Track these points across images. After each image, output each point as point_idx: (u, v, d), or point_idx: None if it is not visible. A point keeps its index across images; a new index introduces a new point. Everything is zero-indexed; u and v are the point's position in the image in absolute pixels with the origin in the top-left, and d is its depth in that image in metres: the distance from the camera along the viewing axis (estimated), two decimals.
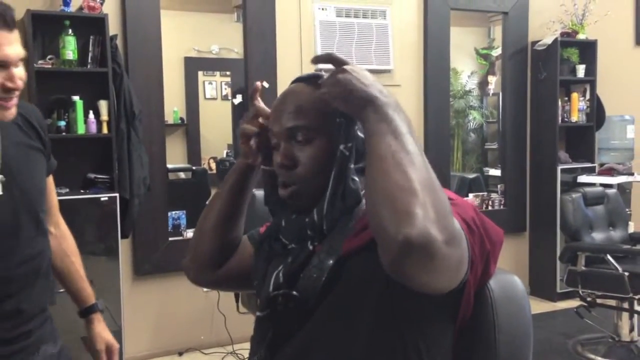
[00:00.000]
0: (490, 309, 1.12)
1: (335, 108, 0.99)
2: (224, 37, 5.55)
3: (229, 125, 5.64)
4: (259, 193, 2.27)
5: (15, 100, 1.31)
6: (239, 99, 5.34)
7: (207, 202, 1.25)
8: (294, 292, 0.99)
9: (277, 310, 1.01)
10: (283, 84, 4.02)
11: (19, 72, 1.29)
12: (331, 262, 0.98)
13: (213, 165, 5.76)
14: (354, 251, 0.97)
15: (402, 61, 4.31)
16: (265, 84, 3.91)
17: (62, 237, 1.63)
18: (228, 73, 5.88)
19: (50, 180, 1.55)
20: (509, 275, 1.21)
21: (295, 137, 1.03)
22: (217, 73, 5.97)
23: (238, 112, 5.35)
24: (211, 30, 5.66)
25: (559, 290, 4.57)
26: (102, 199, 3.28)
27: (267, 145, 1.09)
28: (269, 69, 3.91)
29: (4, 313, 1.38)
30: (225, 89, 5.97)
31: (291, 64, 3.96)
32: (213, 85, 5.97)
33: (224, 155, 5.75)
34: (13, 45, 1.27)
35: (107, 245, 3.34)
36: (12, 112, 1.32)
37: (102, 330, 1.64)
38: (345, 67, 0.95)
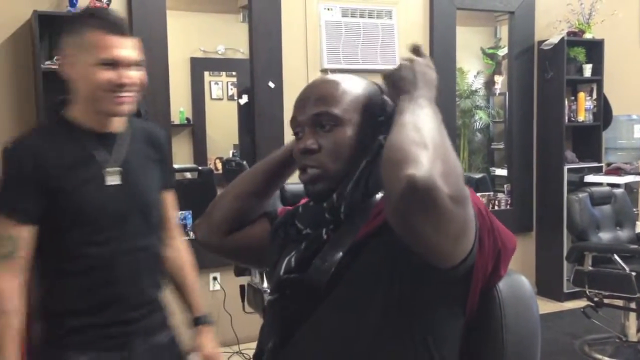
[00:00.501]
0: (498, 308, 1.11)
1: (369, 100, 1.07)
2: (230, 38, 5.55)
3: (235, 125, 5.64)
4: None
5: (126, 99, 1.49)
6: (245, 99, 5.34)
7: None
8: (302, 277, 1.01)
9: (286, 294, 1.03)
10: (289, 84, 4.05)
11: (131, 73, 1.48)
12: (341, 254, 0.99)
13: (219, 166, 5.76)
14: (367, 236, 0.98)
15: None
16: (271, 84, 3.92)
17: (177, 250, 1.74)
18: (234, 73, 5.89)
19: (170, 196, 1.71)
20: (517, 275, 1.21)
21: (320, 123, 1.06)
22: (223, 73, 5.97)
23: (244, 113, 5.36)
24: (217, 30, 5.67)
25: (565, 290, 4.55)
26: None
27: None
28: (274, 69, 3.91)
29: (105, 299, 1.50)
30: (232, 89, 5.97)
31: (297, 64, 3.96)
32: (219, 86, 5.98)
33: (230, 156, 5.75)
34: (124, 49, 1.46)
35: None
36: (123, 108, 1.50)
37: (208, 341, 1.72)
38: (414, 58, 1.04)
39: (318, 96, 1.07)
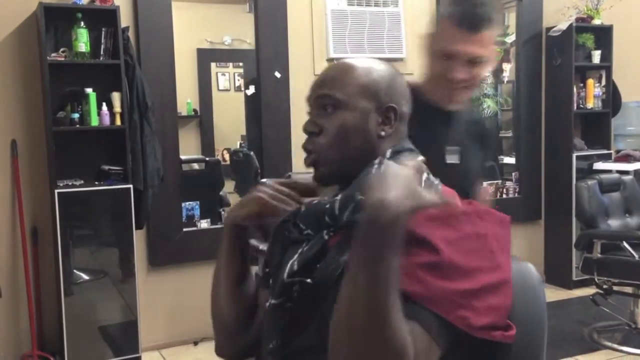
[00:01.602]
0: None
1: (380, 87, 1.05)
2: (236, 28, 5.54)
3: (242, 116, 5.64)
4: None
5: (462, 94, 1.54)
6: (252, 89, 5.33)
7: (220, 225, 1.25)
8: (309, 280, 0.99)
9: (292, 297, 1.01)
10: (295, 74, 4.04)
11: (470, 70, 1.51)
12: (345, 257, 0.96)
13: (227, 156, 5.78)
14: None
15: (414, 49, 4.27)
16: (278, 74, 3.90)
17: None
18: (241, 64, 5.88)
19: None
20: (524, 264, 1.21)
21: (323, 105, 1.05)
22: (230, 64, 5.97)
23: (251, 103, 5.36)
24: (223, 21, 5.66)
25: (574, 278, 4.54)
26: (116, 190, 3.30)
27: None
28: (281, 59, 3.90)
29: None
30: (239, 80, 5.97)
31: (303, 54, 3.95)
32: (226, 77, 5.97)
33: (238, 146, 5.76)
34: (467, 45, 1.49)
35: (122, 236, 3.37)
36: (456, 101, 1.56)
37: None
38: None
39: (327, 78, 1.07)
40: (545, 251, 4.82)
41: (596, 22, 4.58)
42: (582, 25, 4.53)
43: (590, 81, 4.62)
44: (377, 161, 1.02)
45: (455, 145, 1.60)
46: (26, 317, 3.36)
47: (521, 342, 1.10)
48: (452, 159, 1.59)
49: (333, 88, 1.05)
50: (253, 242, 1.19)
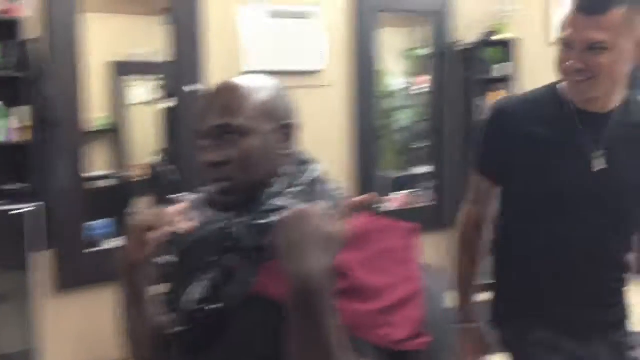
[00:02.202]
0: None
1: (275, 105, 1.04)
2: (152, 40, 5.43)
3: (159, 130, 5.53)
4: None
5: (585, 83, 1.38)
6: (170, 102, 5.24)
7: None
8: (215, 306, 0.98)
9: (198, 325, 1.00)
10: (213, 86, 3.97)
11: (588, 57, 1.35)
12: (255, 279, 0.97)
13: (143, 172, 5.63)
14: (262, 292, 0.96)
15: (332, 62, 4.34)
16: (195, 87, 3.86)
17: None
18: (157, 77, 5.77)
19: None
20: (429, 267, 1.24)
21: (223, 135, 1.02)
22: (146, 77, 5.84)
23: (168, 117, 5.26)
24: (139, 33, 5.53)
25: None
26: (15, 209, 3.13)
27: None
28: (197, 71, 3.86)
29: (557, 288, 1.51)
30: (154, 93, 5.84)
31: (221, 66, 3.92)
32: (143, 90, 5.84)
33: (155, 161, 5.63)
34: (582, 30, 1.34)
35: (20, 259, 3.18)
36: (581, 92, 1.41)
37: None
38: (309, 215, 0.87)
39: (220, 106, 1.03)
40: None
41: (502, 36, 4.80)
42: (490, 40, 4.73)
43: (497, 93, 4.82)
44: (274, 178, 1.03)
45: (603, 149, 1.42)
46: None
47: (430, 346, 1.13)
48: (599, 164, 1.42)
49: (233, 116, 1.02)
50: (166, 258, 1.16)
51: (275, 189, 1.02)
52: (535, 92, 1.60)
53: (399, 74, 6.48)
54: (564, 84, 1.45)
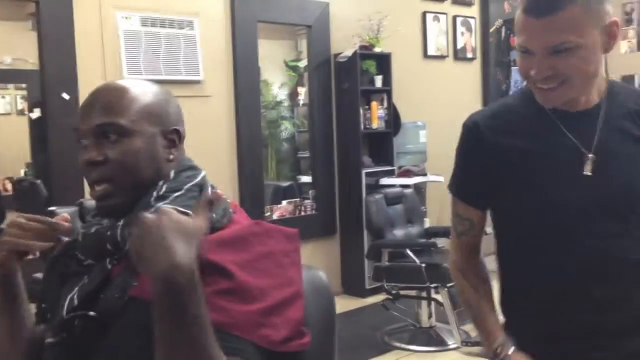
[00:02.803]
0: None
1: (159, 108, 1.02)
2: (18, 47, 5.12)
3: (26, 141, 5.21)
4: (62, 211, 2.14)
5: (557, 91, 1.21)
6: (37, 112, 4.96)
7: None
8: (92, 313, 0.95)
9: (74, 333, 0.96)
10: (85, 95, 3.80)
11: (555, 61, 1.17)
12: (135, 283, 0.95)
13: (9, 186, 5.27)
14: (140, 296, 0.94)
15: (211, 72, 4.32)
16: (65, 96, 3.69)
17: None
18: (24, 85, 5.44)
19: None
20: (315, 270, 1.28)
21: (105, 134, 0.99)
22: (11, 86, 5.49)
23: (37, 128, 4.98)
24: (2, 39, 5.20)
25: (367, 287, 4.85)
26: None
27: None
28: (68, 80, 3.69)
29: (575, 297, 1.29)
30: (21, 102, 5.50)
31: (94, 74, 3.78)
32: (6, 100, 5.48)
33: (22, 175, 5.29)
34: (538, 34, 1.17)
35: None
36: (553, 100, 1.25)
37: None
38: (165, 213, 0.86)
39: (103, 104, 1.00)
40: (342, 264, 5.10)
41: (377, 49, 5.01)
42: (365, 53, 4.93)
43: (374, 104, 5.03)
44: (160, 182, 1.02)
45: (595, 150, 1.25)
46: None
47: (314, 346, 1.17)
48: (593, 166, 1.24)
49: (115, 115, 1.00)
50: (38, 276, 1.12)
51: (159, 192, 1.01)
52: (507, 100, 1.41)
53: (283, 85, 6.59)
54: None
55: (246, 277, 0.94)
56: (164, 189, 1.01)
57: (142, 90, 1.04)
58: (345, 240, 5.08)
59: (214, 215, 1.00)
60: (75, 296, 0.98)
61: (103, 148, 0.99)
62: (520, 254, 1.35)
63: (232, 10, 4.41)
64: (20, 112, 5.47)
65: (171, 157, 1.05)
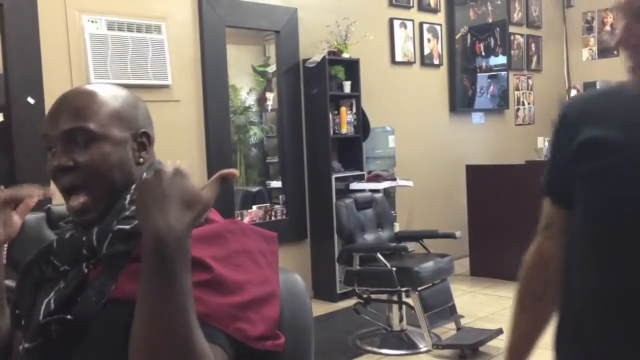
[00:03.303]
0: None
1: (128, 113, 1.02)
2: None
3: None
4: (30, 217, 2.10)
5: None
6: (0, 117, 4.85)
7: None
8: (69, 317, 0.94)
9: (51, 338, 0.95)
10: (51, 99, 3.73)
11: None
12: (113, 286, 0.94)
13: None
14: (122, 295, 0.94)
15: (180, 77, 4.29)
16: (31, 100, 3.62)
17: None
18: None
19: None
20: (291, 275, 1.28)
21: (74, 139, 0.99)
22: None
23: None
24: None
25: (338, 291, 4.87)
26: None
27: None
28: (33, 84, 3.63)
29: None
30: None
31: (60, 78, 3.72)
32: None
33: None
34: None
35: None
36: None
37: None
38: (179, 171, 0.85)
39: (72, 109, 0.99)
40: (312, 268, 5.11)
41: (345, 55, 5.04)
42: (334, 58, 4.95)
43: (343, 109, 5.05)
44: (133, 186, 1.01)
45: None
46: None
47: (291, 350, 1.17)
48: None
49: (84, 120, 0.99)
50: (9, 283, 1.10)
51: (132, 196, 1.00)
52: (609, 88, 1.22)
53: (251, 91, 6.57)
54: None
55: (223, 270, 0.93)
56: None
57: (110, 94, 1.03)
58: (315, 245, 5.09)
59: None
60: (52, 300, 0.96)
61: (72, 153, 0.98)
62: (580, 271, 1.14)
63: (200, 15, 4.39)
64: None
65: (141, 160, 1.04)
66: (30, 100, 3.61)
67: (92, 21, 3.87)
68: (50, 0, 3.72)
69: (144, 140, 1.05)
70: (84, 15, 3.84)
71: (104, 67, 3.88)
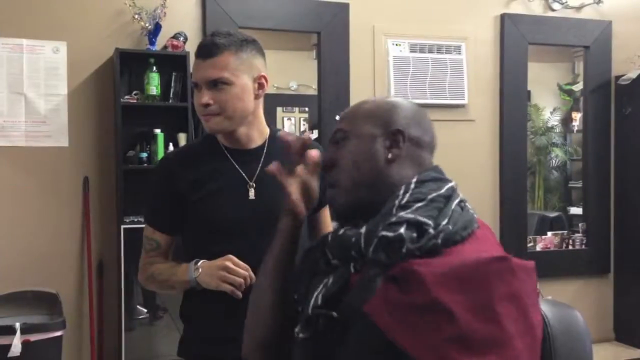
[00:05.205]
0: (546, 342, 1.08)
1: (382, 114, 1.10)
2: (303, 74, 5.69)
3: None
4: None
5: (214, 119, 1.60)
6: (315, 134, 5.43)
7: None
8: (334, 314, 0.97)
9: (318, 331, 0.99)
10: None
11: (213, 94, 1.58)
12: (370, 296, 0.93)
13: None
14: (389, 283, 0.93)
15: (476, 96, 4.27)
16: (338, 118, 3.97)
17: None
18: (306, 109, 6.00)
19: (324, 213, 1.76)
20: (569, 310, 1.17)
21: (335, 140, 1.11)
22: (296, 109, 6.10)
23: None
24: (290, 67, 5.81)
25: None
26: None
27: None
28: (342, 104, 3.97)
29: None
30: (304, 124, 6.08)
31: (364, 98, 4.00)
32: (292, 121, 6.10)
33: None
34: (201, 71, 1.60)
35: None
36: (211, 127, 1.62)
37: None
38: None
39: (341, 116, 1.16)
40: (615, 307, 4.58)
41: None
42: None
43: None
44: (401, 191, 1.01)
45: (255, 181, 1.69)
46: (88, 349, 3.46)
47: None
48: (252, 194, 1.67)
49: (343, 122, 1.12)
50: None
51: (400, 202, 0.99)
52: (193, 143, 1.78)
53: (555, 110, 6.22)
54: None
55: (475, 324, 0.84)
56: (406, 198, 0.99)
57: (379, 100, 1.15)
58: (621, 282, 4.55)
59: (450, 227, 0.96)
60: (320, 295, 1.01)
61: (333, 153, 1.11)
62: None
63: (501, 34, 4.31)
64: (302, 133, 6.05)
65: (390, 156, 1.06)
66: (338, 118, 3.96)
67: (397, 44, 4.09)
68: (361, 27, 4.03)
69: (398, 138, 1.07)
70: (389, 39, 4.08)
71: (404, 87, 4.07)
